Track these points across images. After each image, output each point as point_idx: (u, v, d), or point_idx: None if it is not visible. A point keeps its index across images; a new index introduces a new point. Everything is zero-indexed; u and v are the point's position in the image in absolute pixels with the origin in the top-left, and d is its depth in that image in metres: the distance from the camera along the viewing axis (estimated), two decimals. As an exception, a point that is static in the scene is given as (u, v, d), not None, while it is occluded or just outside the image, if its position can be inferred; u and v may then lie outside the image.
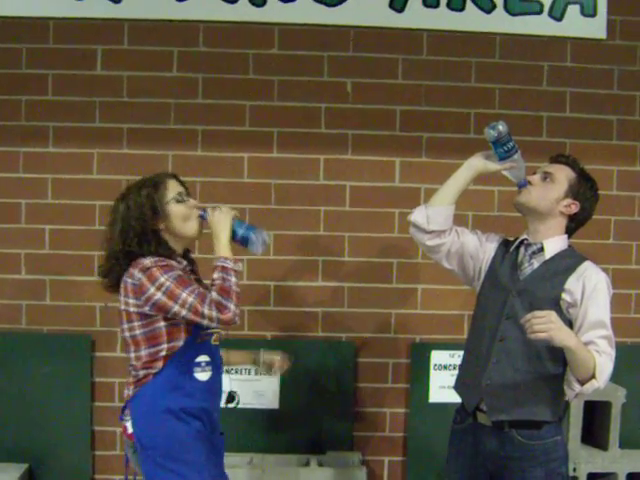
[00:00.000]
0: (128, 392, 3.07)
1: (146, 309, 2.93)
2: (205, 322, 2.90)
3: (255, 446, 4.46)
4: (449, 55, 4.48)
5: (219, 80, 4.43)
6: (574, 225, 3.14)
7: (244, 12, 4.38)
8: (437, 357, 4.52)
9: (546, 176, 3.09)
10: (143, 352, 2.99)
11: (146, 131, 4.44)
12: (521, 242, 3.17)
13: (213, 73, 4.43)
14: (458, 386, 3.32)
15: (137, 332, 2.98)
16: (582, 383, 2.89)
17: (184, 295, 2.87)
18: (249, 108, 4.45)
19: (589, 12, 4.47)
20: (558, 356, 2.90)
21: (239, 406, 4.39)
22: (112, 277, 3.09)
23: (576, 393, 2.95)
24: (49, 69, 4.40)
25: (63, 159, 4.44)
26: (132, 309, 2.96)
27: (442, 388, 4.50)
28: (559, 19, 4.47)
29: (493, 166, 3.13)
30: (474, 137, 4.43)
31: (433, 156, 4.47)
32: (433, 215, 3.18)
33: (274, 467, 4.27)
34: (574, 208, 3.07)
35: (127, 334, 3.01)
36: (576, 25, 4.49)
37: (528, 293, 3.03)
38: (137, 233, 3.00)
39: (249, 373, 4.48)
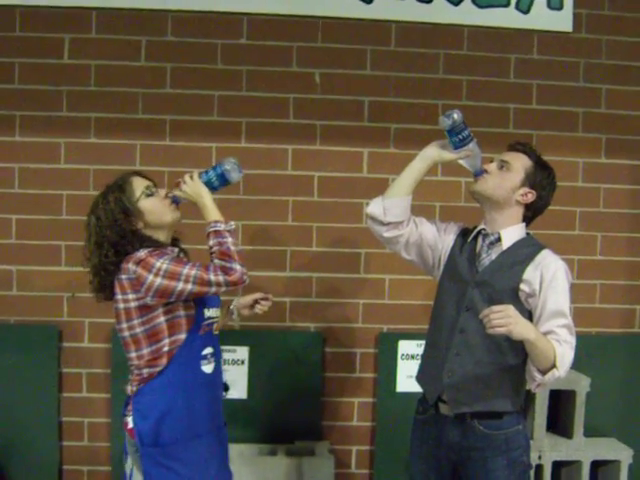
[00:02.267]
0: (131, 388, 3.02)
1: (148, 299, 2.88)
2: (214, 289, 2.86)
3: (223, 436, 4.45)
4: (417, 46, 4.49)
5: (187, 70, 4.42)
6: (531, 214, 3.13)
7: (213, 2, 4.38)
8: (404, 347, 4.55)
9: (502, 165, 3.08)
10: (145, 350, 2.95)
11: (114, 121, 4.42)
12: (479, 232, 3.16)
13: (181, 63, 4.41)
14: (420, 377, 3.33)
15: (137, 330, 2.93)
16: (543, 373, 2.90)
17: (185, 271, 2.84)
18: (217, 98, 4.44)
19: (556, 5, 4.51)
20: (518, 347, 2.91)
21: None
22: (107, 289, 3.04)
23: (537, 383, 2.97)
24: (16, 57, 4.36)
25: (30, 148, 4.40)
26: (133, 304, 2.91)
27: (409, 377, 4.51)
28: (526, 12, 4.50)
29: (448, 155, 3.12)
30: (442, 128, 4.44)
31: (401, 147, 4.49)
32: (390, 207, 3.16)
33: (242, 457, 4.27)
34: (530, 197, 3.06)
35: (127, 333, 2.96)
36: (543, 18, 4.52)
37: (487, 285, 3.04)
38: (112, 242, 2.95)
39: (217, 363, 4.48)
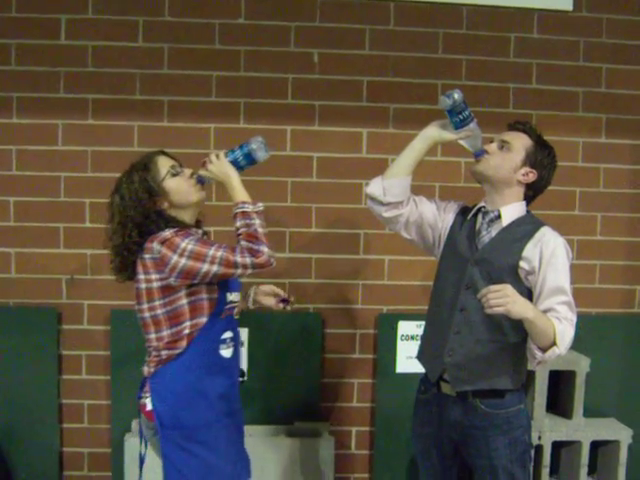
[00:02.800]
0: (149, 369, 2.99)
1: (171, 280, 2.86)
2: (239, 271, 2.83)
3: (223, 417, 4.46)
4: (416, 26, 4.46)
5: (185, 50, 4.39)
6: (532, 193, 3.12)
7: (210, -19, 4.36)
8: (404, 327, 4.54)
9: (503, 145, 3.07)
10: (165, 332, 2.93)
11: (111, 102, 4.39)
12: (479, 210, 3.16)
13: (179, 43, 4.38)
14: (421, 357, 3.34)
15: (159, 311, 2.91)
16: (544, 350, 2.90)
17: (211, 252, 2.82)
18: (215, 79, 4.41)
19: (556, -17, 4.49)
20: (519, 325, 2.91)
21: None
22: (128, 269, 3.02)
23: (538, 361, 2.97)
24: (12, 39, 4.33)
25: (27, 130, 4.38)
26: (155, 285, 2.89)
27: (409, 358, 4.52)
28: (526, -10, 4.48)
29: (448, 135, 3.10)
30: (441, 108, 4.41)
31: (400, 127, 4.47)
32: (389, 187, 3.16)
33: (242, 438, 4.28)
34: (532, 177, 3.05)
35: (147, 314, 2.94)
36: (543, -4, 4.50)
37: (486, 262, 3.03)
38: (136, 222, 2.93)
39: (217, 345, 4.48)
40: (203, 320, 2.94)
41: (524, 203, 3.12)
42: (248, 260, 2.81)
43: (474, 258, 3.07)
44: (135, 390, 4.33)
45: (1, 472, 4.39)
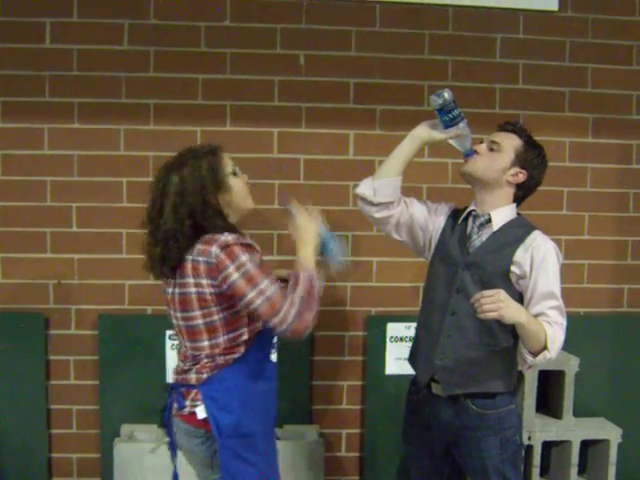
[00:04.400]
0: (199, 376, 2.83)
1: (224, 288, 2.69)
2: (275, 321, 2.64)
3: (212, 421, 4.44)
4: (402, 27, 4.45)
5: (171, 53, 4.37)
6: (522, 193, 3.12)
7: (195, -16, 4.34)
8: (393, 329, 4.54)
9: (492, 145, 3.07)
10: (222, 338, 2.79)
11: (97, 105, 4.36)
12: (469, 213, 3.16)
13: (164, 46, 4.36)
14: (412, 359, 3.34)
15: (215, 317, 2.76)
16: (534, 354, 2.91)
17: (265, 283, 2.65)
18: (202, 81, 4.39)
19: (541, -17, 4.49)
20: (510, 329, 2.93)
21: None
22: (170, 262, 2.77)
23: (529, 365, 2.99)
24: (-4, 43, 4.32)
25: (13, 135, 4.35)
26: (208, 290, 2.71)
27: (398, 360, 4.51)
28: (511, -10, 4.49)
29: (438, 135, 3.10)
30: (428, 109, 4.38)
31: (387, 128, 4.46)
32: (380, 187, 3.16)
33: (231, 441, 4.26)
34: (521, 177, 3.06)
35: (200, 321, 2.77)
36: (528, -3, 4.51)
37: (477, 267, 3.04)
38: (192, 210, 2.72)
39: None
40: (259, 324, 2.82)
41: (514, 206, 3.12)
42: (290, 317, 2.64)
43: (465, 262, 3.07)
44: (124, 395, 4.38)
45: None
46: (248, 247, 2.76)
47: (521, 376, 4.25)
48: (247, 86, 4.41)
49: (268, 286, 2.66)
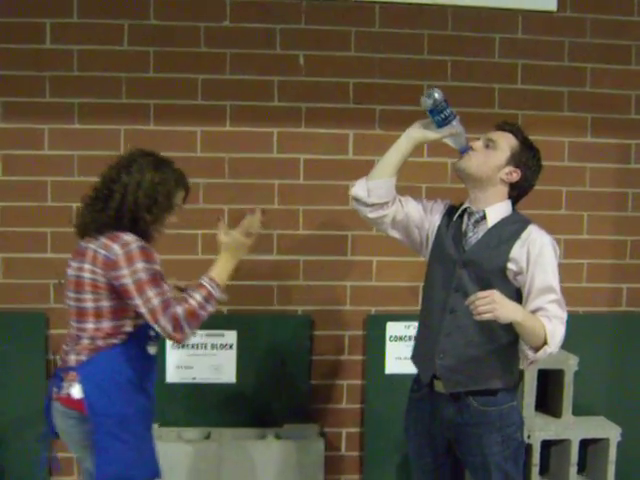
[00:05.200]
0: (78, 357, 2.94)
1: (116, 284, 2.84)
2: (155, 328, 2.85)
3: (212, 420, 4.47)
4: (401, 27, 4.47)
5: (170, 53, 4.38)
6: (516, 194, 3.12)
7: (195, -16, 4.35)
8: (392, 329, 4.55)
9: (488, 143, 3.08)
10: (106, 324, 2.91)
11: (98, 106, 4.38)
12: (464, 210, 3.16)
13: (164, 47, 4.37)
14: (414, 358, 3.35)
15: (104, 304, 2.89)
16: (535, 350, 2.91)
17: (151, 294, 2.80)
18: (201, 82, 4.41)
19: (540, -16, 4.50)
20: (509, 326, 2.91)
21: (196, 381, 4.45)
22: (88, 231, 2.98)
23: (530, 361, 2.98)
24: (-3, 43, 4.33)
25: (13, 135, 4.37)
26: (102, 280, 2.87)
27: (398, 359, 4.53)
28: (510, -9, 4.50)
29: (432, 135, 3.11)
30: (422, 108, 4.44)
31: (386, 128, 4.47)
32: (374, 188, 3.17)
33: (231, 441, 4.28)
34: (515, 176, 3.06)
35: (89, 304, 2.90)
36: (527, -3, 4.52)
37: (474, 264, 3.04)
38: (126, 207, 2.92)
39: (205, 348, 4.48)
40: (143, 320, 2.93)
41: (509, 202, 3.12)
42: (168, 329, 2.82)
43: (462, 260, 3.07)
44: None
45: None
46: (148, 253, 2.89)
47: (520, 375, 4.25)
48: (247, 86, 4.42)
49: (154, 297, 2.81)
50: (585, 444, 4.49)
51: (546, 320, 2.89)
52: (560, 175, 4.54)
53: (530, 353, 2.94)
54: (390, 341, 4.55)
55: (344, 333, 4.59)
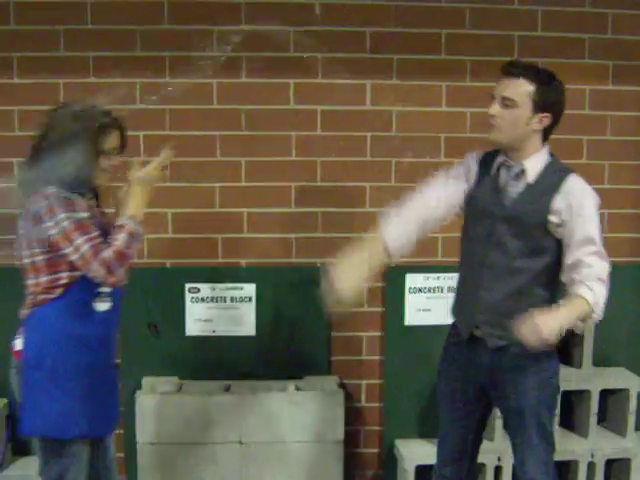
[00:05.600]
0: (24, 311, 3.01)
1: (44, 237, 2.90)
2: (90, 275, 2.88)
3: (232, 373, 4.48)
4: (418, -26, 4.40)
5: (185, 5, 4.33)
6: (551, 128, 3.07)
7: None
8: (412, 280, 4.53)
9: (506, 102, 2.99)
10: (42, 279, 2.96)
11: (112, 59, 4.34)
12: (501, 164, 3.12)
13: (178, -3, 4.33)
14: (454, 311, 3.37)
15: (39, 258, 2.93)
16: (583, 320, 2.94)
17: (79, 241, 2.85)
18: (217, 33, 4.35)
19: None
20: (547, 279, 2.99)
21: (216, 334, 4.46)
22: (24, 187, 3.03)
23: (582, 329, 3.09)
24: (10, -2, 4.28)
25: (29, 90, 4.34)
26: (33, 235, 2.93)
27: (417, 311, 4.52)
28: None
29: None
30: (445, 58, 4.40)
31: (404, 78, 4.42)
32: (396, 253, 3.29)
33: (251, 394, 4.29)
34: (547, 121, 3.02)
35: (28, 260, 2.96)
36: (547, -60, 4.43)
37: (515, 219, 3.03)
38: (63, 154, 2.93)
39: (225, 301, 4.48)
40: (79, 273, 2.94)
41: (546, 148, 3.09)
42: (101, 274, 2.87)
43: (502, 215, 3.06)
44: (145, 348, 4.41)
45: (16, 432, 4.40)
46: (69, 203, 2.89)
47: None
48: (262, 37, 4.36)
49: (82, 243, 2.85)
50: (605, 395, 4.48)
51: (586, 291, 2.88)
52: (581, 124, 4.48)
53: (579, 324, 2.96)
54: (409, 293, 4.54)
55: (363, 285, 4.57)
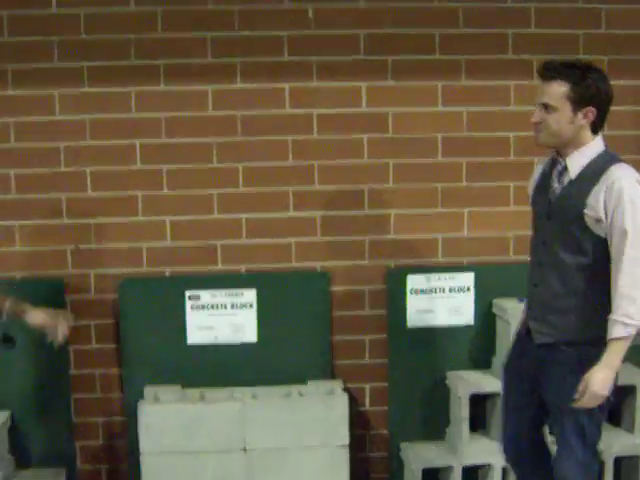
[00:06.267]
0: None
1: None
2: None
3: (235, 380, 4.45)
4: (410, -25, 4.40)
5: (178, 12, 4.33)
6: (601, 118, 3.06)
7: (200, -60, 4.30)
8: (413, 281, 4.52)
9: (546, 107, 3.01)
10: None
11: (107, 68, 4.34)
12: (553, 162, 3.16)
13: (171, 5, 4.32)
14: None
15: None
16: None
17: None
18: (210, 39, 4.35)
19: None
20: (595, 277, 3.01)
21: (217, 341, 4.44)
22: None
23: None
24: (3, 10, 4.27)
25: (24, 102, 4.33)
26: None
27: (419, 312, 4.51)
28: None
29: None
30: (439, 58, 4.39)
31: (399, 79, 4.41)
32: None
33: (255, 400, 4.27)
34: (591, 115, 3.02)
35: None
36: (538, -62, 4.43)
37: (558, 215, 3.07)
38: None
39: (225, 307, 4.46)
40: None
41: (596, 142, 3.08)
42: None
43: (547, 213, 3.12)
44: (146, 357, 4.40)
45: (15, 444, 4.39)
46: None
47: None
48: (256, 42, 4.37)
49: None
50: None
51: (619, 330, 2.91)
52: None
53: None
54: (411, 294, 4.52)
55: (364, 288, 4.56)
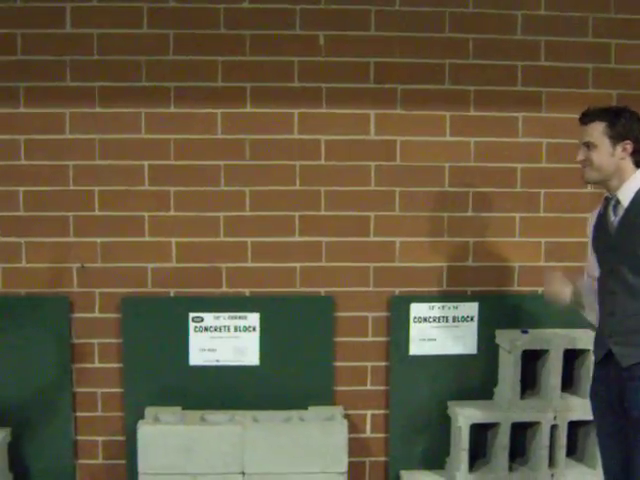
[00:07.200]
0: None
1: None
2: None
3: (236, 403, 4.45)
4: (422, 6, 4.42)
5: (190, 36, 4.37)
6: (636, 149, 3.24)
7: (214, -35, 4.33)
8: (417, 309, 4.52)
9: (588, 145, 3.24)
10: None
11: (118, 89, 4.38)
12: (607, 199, 3.33)
13: (184, 29, 4.36)
14: (595, 338, 3.50)
15: None
16: None
17: None
18: (221, 63, 4.39)
19: (562, -42, 4.44)
20: None
21: (219, 363, 4.45)
22: None
23: None
24: (17, 28, 4.32)
25: (35, 119, 4.37)
26: None
27: (422, 340, 4.51)
28: (532, -33, 4.43)
29: None
30: (449, 88, 4.41)
31: (408, 108, 4.44)
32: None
33: (255, 424, 4.27)
34: (629, 148, 3.23)
35: None
36: (549, -28, 4.45)
37: (619, 247, 3.24)
38: None
39: (228, 330, 4.47)
40: None
41: (637, 175, 3.24)
42: None
43: (609, 245, 3.28)
44: (148, 378, 4.41)
45: (17, 461, 4.40)
46: None
47: (544, 356, 4.24)
48: (267, 67, 4.40)
49: None
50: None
51: None
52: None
53: None
54: (414, 322, 4.52)
55: (367, 314, 4.57)
